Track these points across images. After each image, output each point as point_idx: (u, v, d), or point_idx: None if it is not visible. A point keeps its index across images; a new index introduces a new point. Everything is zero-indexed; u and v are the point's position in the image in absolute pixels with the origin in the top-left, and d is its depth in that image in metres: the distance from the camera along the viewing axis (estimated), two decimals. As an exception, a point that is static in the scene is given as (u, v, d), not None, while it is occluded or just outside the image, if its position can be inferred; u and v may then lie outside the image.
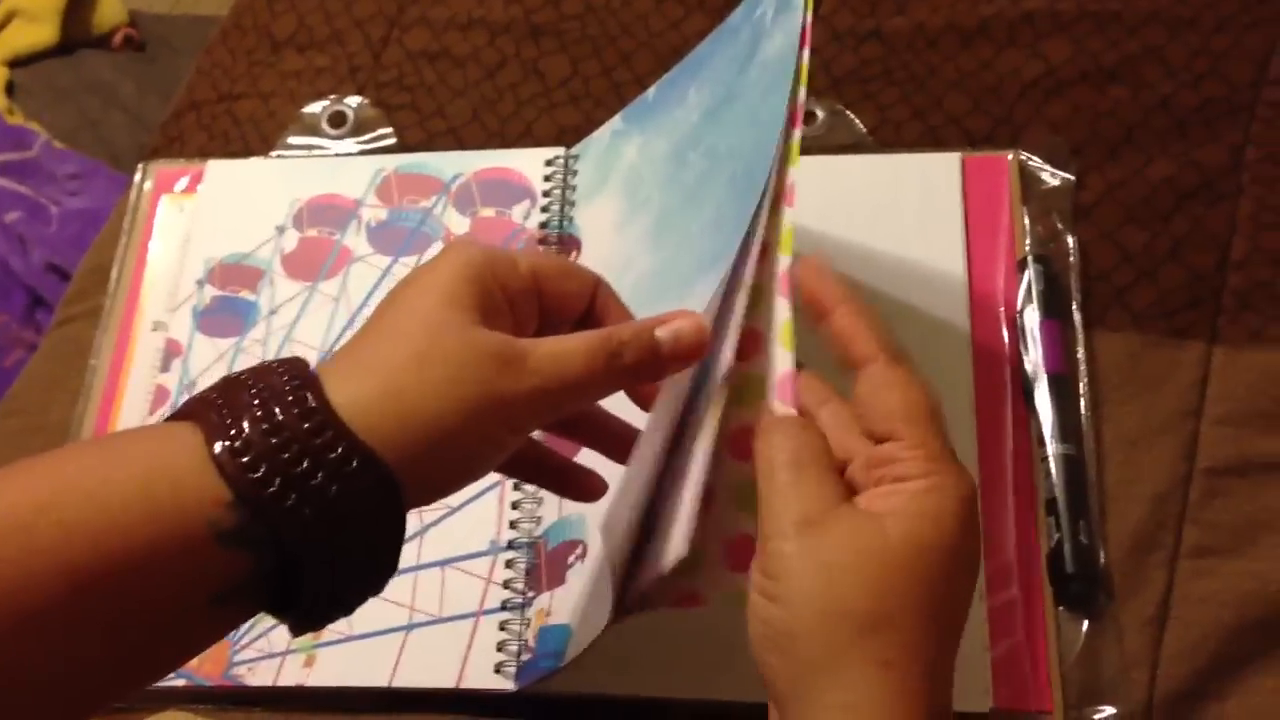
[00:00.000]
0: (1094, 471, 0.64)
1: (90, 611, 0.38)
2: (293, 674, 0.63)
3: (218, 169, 0.80)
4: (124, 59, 1.52)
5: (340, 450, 0.40)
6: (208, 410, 0.41)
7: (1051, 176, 0.72)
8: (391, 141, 0.80)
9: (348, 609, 0.43)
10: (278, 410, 0.41)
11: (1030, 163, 0.73)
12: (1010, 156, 0.73)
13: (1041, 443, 0.64)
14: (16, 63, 1.48)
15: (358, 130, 0.81)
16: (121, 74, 1.50)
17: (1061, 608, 0.61)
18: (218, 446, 0.40)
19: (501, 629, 0.62)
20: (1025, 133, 0.75)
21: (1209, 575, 0.62)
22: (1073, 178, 0.72)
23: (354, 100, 0.82)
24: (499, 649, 0.62)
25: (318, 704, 0.63)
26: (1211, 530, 0.63)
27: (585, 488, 0.53)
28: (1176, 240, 0.70)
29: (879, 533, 0.42)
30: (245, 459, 0.40)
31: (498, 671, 0.61)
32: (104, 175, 1.39)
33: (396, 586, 0.63)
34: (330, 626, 0.63)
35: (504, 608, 0.63)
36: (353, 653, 0.63)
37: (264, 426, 0.40)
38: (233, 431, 0.40)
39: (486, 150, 0.79)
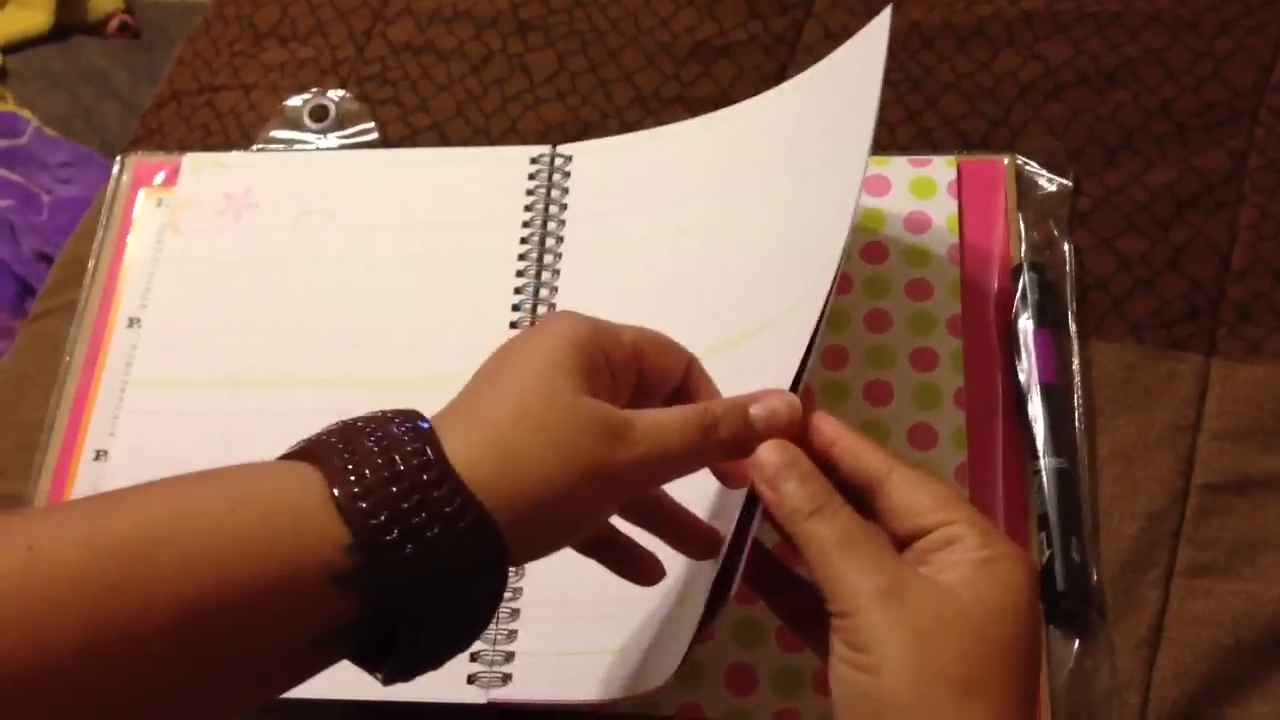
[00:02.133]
0: (1087, 486, 0.63)
1: (200, 643, 0.39)
2: None
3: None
4: (119, 46, 1.51)
5: (457, 505, 0.42)
6: (330, 454, 0.42)
7: (1048, 181, 0.71)
8: (374, 136, 0.79)
9: (438, 662, 0.44)
10: (398, 460, 0.42)
11: (1027, 167, 0.71)
12: (1006, 160, 0.71)
13: (1034, 456, 0.63)
14: (10, 48, 1.47)
15: (340, 124, 0.79)
16: (115, 61, 1.49)
17: (1052, 627, 0.60)
18: (339, 490, 0.41)
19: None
20: (1022, 136, 0.73)
21: (1204, 595, 0.61)
22: (1070, 183, 0.71)
23: (336, 94, 0.81)
24: (473, 659, 0.60)
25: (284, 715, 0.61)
26: (1207, 549, 0.62)
27: (645, 571, 0.54)
28: (1176, 249, 0.69)
29: (957, 600, 0.43)
30: (365, 504, 0.41)
31: (471, 682, 0.60)
32: (95, 163, 1.38)
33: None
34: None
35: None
36: None
37: (385, 474, 0.41)
38: (354, 477, 0.41)
39: (470, 147, 0.77)
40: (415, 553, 0.41)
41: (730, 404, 0.47)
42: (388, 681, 0.43)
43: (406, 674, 0.44)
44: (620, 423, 0.45)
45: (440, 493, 0.42)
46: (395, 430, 0.43)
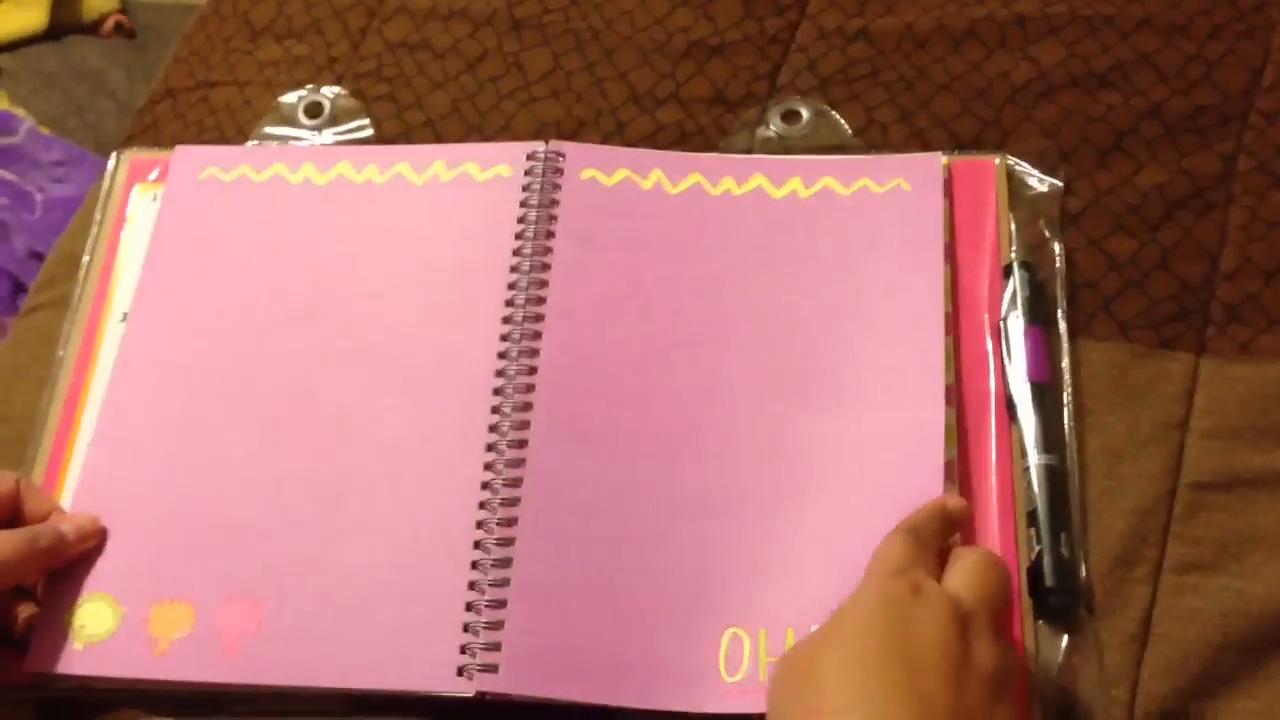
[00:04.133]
0: (1076, 483, 0.63)
1: None
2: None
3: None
4: (114, 46, 1.50)
5: None
6: None
7: (1039, 182, 0.71)
8: (369, 133, 0.79)
9: None
10: None
11: (1018, 167, 0.72)
12: (998, 160, 0.71)
13: (1023, 453, 0.63)
14: (4, 47, 1.47)
15: (334, 121, 0.80)
16: (111, 61, 1.48)
17: (1040, 622, 0.60)
18: None
19: (466, 630, 0.61)
20: (1014, 137, 0.73)
21: (1192, 592, 0.61)
22: (1061, 184, 0.71)
23: (331, 90, 0.81)
24: (462, 651, 0.60)
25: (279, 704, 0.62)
26: (1196, 546, 0.62)
27: None
28: (1165, 250, 0.69)
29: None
30: None
31: (461, 674, 0.60)
32: (89, 163, 1.38)
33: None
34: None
35: (469, 609, 0.61)
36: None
37: None
38: None
39: (465, 144, 0.77)
40: None
41: (50, 526, 0.63)
42: None
43: None
44: None
45: None
46: None
